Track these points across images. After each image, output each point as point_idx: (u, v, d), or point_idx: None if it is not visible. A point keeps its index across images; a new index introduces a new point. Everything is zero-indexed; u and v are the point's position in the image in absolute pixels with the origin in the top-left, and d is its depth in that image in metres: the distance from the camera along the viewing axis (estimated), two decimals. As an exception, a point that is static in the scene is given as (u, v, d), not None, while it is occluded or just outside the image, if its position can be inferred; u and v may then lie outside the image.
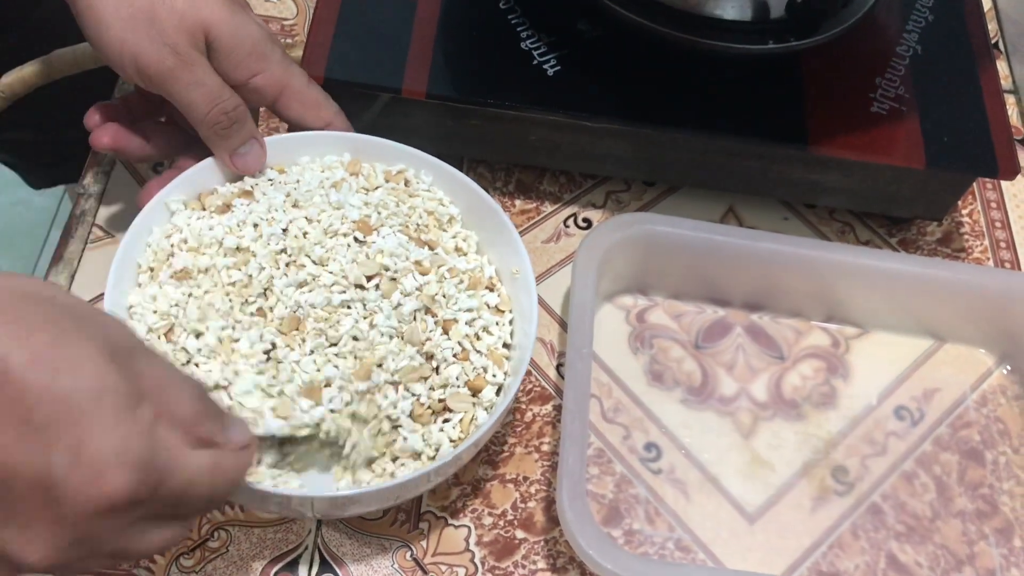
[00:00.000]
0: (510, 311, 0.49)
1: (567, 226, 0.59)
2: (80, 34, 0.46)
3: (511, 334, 0.48)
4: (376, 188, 0.50)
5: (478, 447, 0.45)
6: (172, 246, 0.47)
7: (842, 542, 0.50)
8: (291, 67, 0.49)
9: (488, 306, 0.48)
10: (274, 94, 0.48)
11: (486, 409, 0.46)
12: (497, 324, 0.48)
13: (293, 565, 0.46)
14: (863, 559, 0.50)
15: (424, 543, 0.48)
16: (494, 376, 0.46)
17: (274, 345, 0.44)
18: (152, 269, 0.47)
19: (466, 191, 0.50)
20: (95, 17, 0.44)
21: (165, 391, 0.32)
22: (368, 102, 0.54)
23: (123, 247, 0.45)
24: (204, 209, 0.48)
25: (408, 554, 0.47)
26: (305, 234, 0.47)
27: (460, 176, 0.51)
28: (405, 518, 0.48)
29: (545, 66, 0.54)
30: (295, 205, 0.48)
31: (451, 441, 0.45)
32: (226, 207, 0.48)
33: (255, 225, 0.47)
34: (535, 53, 0.55)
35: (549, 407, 0.53)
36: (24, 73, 0.56)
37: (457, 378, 0.46)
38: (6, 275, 0.31)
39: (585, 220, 0.59)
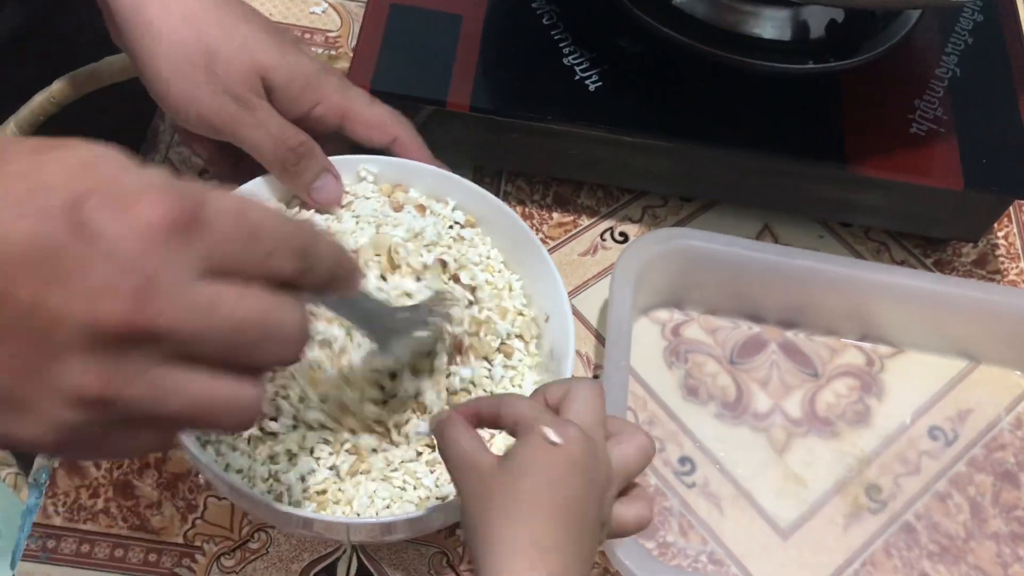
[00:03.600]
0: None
1: (603, 239, 0.60)
2: None
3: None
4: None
5: None
6: None
7: (875, 560, 0.51)
8: (349, 91, 0.50)
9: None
10: (336, 120, 0.49)
11: None
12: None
13: (331, 568, 0.47)
14: (896, 578, 0.50)
15: (460, 550, 0.48)
16: None
17: None
18: None
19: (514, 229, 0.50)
20: (153, 70, 0.45)
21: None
22: (412, 113, 0.55)
23: None
24: None
25: (444, 560, 0.48)
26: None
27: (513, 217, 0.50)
28: (441, 524, 0.49)
29: (587, 81, 0.55)
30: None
31: None
32: None
33: None
34: (577, 69, 0.56)
35: (584, 418, 0.53)
36: (75, 79, 0.57)
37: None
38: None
39: (622, 234, 0.60)
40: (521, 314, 0.49)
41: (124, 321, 0.25)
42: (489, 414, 0.38)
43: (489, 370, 0.47)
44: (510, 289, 0.50)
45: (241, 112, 0.46)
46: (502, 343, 0.47)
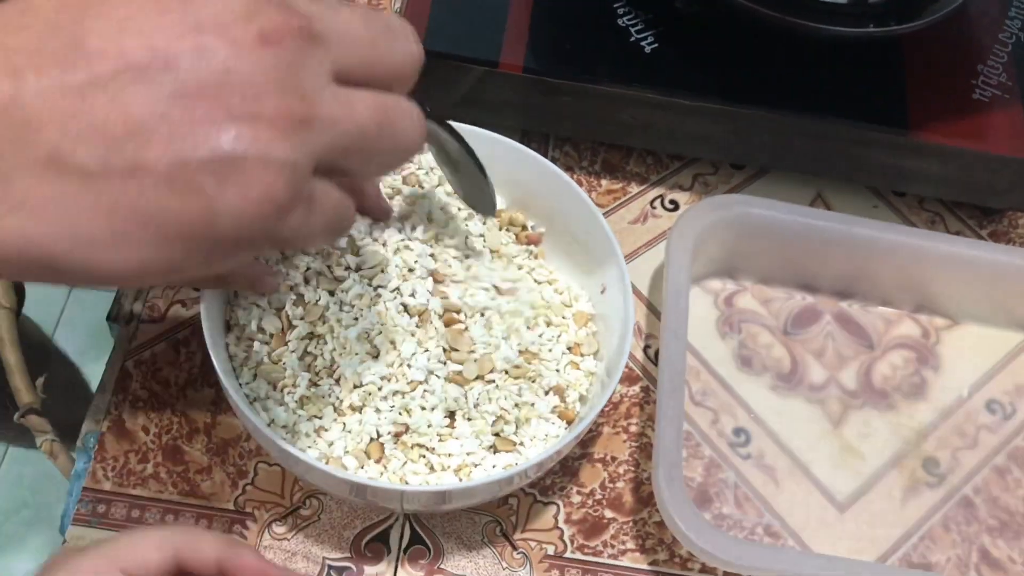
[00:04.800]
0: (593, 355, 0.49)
1: (654, 207, 0.58)
2: None
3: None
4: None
5: (559, 457, 0.44)
6: None
7: (933, 534, 0.50)
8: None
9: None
10: None
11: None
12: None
13: (384, 536, 0.46)
14: (955, 552, 0.49)
15: (513, 519, 0.47)
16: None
17: None
18: None
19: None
20: None
21: None
22: (462, 74, 0.54)
23: None
24: None
25: (498, 529, 0.47)
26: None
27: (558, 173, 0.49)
28: (494, 493, 0.48)
29: (642, 43, 0.54)
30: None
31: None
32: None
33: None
34: (632, 30, 0.54)
35: (636, 388, 0.52)
36: None
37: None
38: None
39: (672, 202, 0.59)
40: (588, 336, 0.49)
41: (289, 21, 0.27)
42: None
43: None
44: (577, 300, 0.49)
45: None
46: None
